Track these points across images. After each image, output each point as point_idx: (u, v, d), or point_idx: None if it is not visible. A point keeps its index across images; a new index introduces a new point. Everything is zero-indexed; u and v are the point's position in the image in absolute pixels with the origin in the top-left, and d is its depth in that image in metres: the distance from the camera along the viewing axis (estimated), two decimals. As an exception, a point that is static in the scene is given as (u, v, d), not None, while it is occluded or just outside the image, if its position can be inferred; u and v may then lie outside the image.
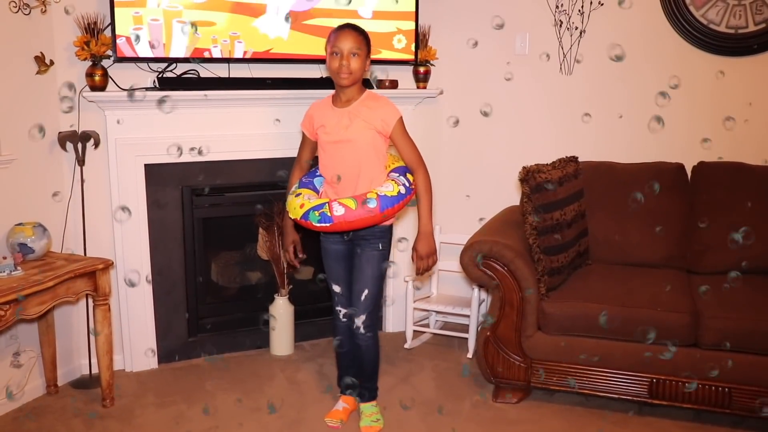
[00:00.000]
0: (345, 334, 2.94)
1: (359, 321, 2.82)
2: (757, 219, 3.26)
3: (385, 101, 2.76)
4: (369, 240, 2.77)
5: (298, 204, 2.72)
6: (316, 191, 2.83)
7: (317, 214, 2.62)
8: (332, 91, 2.81)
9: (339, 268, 2.87)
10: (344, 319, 2.91)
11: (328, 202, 2.64)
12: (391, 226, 2.83)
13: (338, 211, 2.60)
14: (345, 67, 2.63)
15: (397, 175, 2.76)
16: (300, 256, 3.01)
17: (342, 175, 2.72)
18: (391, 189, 2.67)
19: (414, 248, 2.79)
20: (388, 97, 2.82)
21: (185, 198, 3.46)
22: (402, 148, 2.76)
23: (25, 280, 2.67)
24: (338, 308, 2.92)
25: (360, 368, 2.95)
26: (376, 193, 2.65)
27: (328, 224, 2.61)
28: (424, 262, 2.78)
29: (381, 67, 3.70)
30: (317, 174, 2.89)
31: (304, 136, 2.89)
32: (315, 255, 3.02)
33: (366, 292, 2.80)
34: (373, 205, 2.61)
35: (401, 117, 2.74)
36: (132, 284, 3.34)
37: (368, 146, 2.71)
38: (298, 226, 2.86)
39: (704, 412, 2.90)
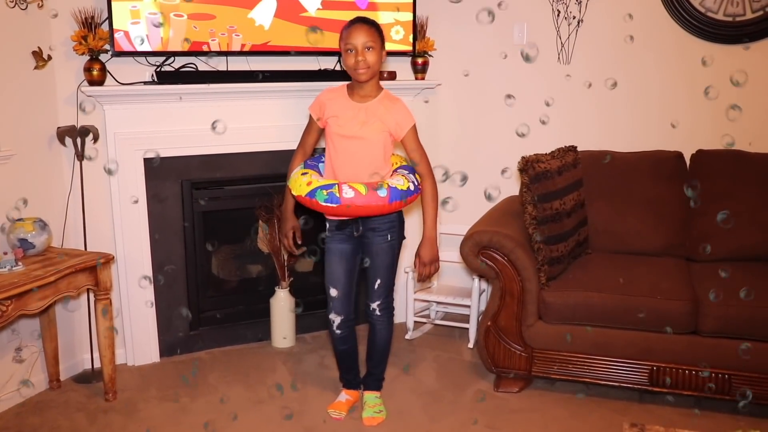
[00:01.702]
0: (341, 343, 2.95)
1: (374, 305, 2.85)
2: (755, 207, 3.27)
3: (402, 105, 2.76)
4: (377, 231, 2.77)
5: (305, 182, 2.68)
6: (321, 175, 2.82)
7: (325, 193, 2.59)
8: (336, 83, 2.81)
9: (340, 269, 2.85)
10: (338, 331, 2.91)
11: (337, 183, 2.62)
12: (398, 215, 2.82)
13: (347, 193, 2.58)
14: (362, 62, 2.62)
15: (406, 172, 2.77)
16: (299, 243, 3.00)
17: (349, 170, 2.71)
18: (402, 183, 2.67)
19: (417, 254, 2.81)
20: (388, 89, 2.81)
21: (185, 192, 3.46)
22: (412, 153, 2.78)
23: (26, 275, 2.67)
24: (332, 316, 2.89)
25: (370, 351, 2.97)
26: (387, 183, 2.65)
27: (334, 205, 2.58)
28: (427, 268, 2.81)
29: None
30: (322, 160, 2.88)
31: (310, 120, 2.85)
32: (314, 245, 3.01)
33: (378, 281, 2.82)
34: (383, 194, 2.61)
35: (415, 124, 2.75)
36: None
37: (379, 145, 2.72)
38: (299, 210, 2.84)
39: (704, 399, 2.91)
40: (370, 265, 2.82)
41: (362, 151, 2.70)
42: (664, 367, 2.90)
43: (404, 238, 2.89)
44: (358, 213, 2.65)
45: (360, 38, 2.62)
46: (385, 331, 2.92)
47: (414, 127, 2.74)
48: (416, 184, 2.74)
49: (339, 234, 2.82)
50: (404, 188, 2.67)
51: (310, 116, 2.84)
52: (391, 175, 2.78)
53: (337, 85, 2.83)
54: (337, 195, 2.58)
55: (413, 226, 3.72)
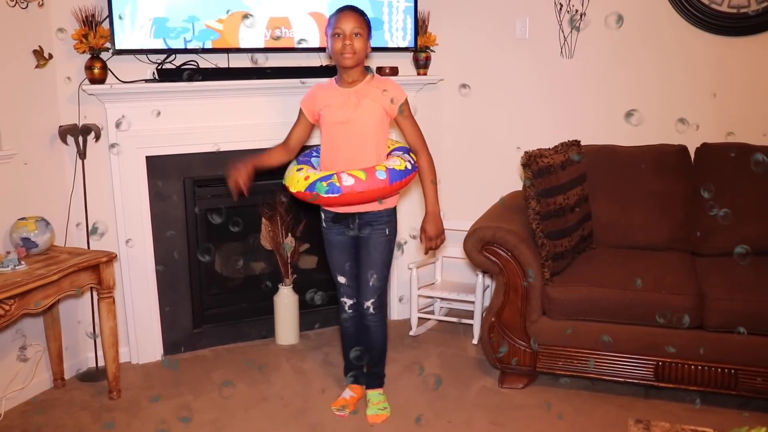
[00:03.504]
0: (351, 325, 2.95)
1: (368, 303, 2.83)
2: (760, 199, 3.24)
3: (391, 82, 2.77)
4: (375, 225, 2.76)
5: (302, 176, 2.64)
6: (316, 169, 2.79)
7: (325, 185, 2.56)
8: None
9: (344, 259, 2.86)
10: (350, 311, 2.92)
11: (336, 173, 2.59)
12: (395, 209, 2.82)
13: (347, 181, 2.55)
14: (348, 47, 2.62)
15: (401, 153, 2.76)
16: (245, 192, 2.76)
17: (346, 156, 2.70)
18: (398, 164, 2.66)
19: (422, 229, 2.80)
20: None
21: (187, 189, 3.45)
22: (406, 130, 2.77)
23: (29, 274, 2.67)
24: (344, 299, 2.92)
25: (368, 351, 2.96)
26: (385, 165, 2.64)
27: (336, 194, 2.55)
28: (434, 242, 2.81)
29: (381, 54, 3.68)
30: (314, 155, 2.87)
31: (300, 115, 2.84)
32: (318, 244, 3.01)
33: (375, 277, 2.80)
34: (383, 176, 2.59)
35: (407, 98, 2.74)
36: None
37: (375, 126, 2.71)
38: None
39: (710, 394, 2.90)
40: (366, 260, 2.80)
41: (359, 135, 2.69)
42: (669, 363, 2.89)
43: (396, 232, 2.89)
44: (361, 199, 2.62)
45: (349, 24, 2.62)
46: (380, 331, 2.90)
47: (407, 102, 2.74)
48: (413, 162, 2.73)
49: (336, 227, 2.82)
50: (402, 168, 2.65)
51: (300, 111, 2.83)
52: (387, 158, 2.77)
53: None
54: (338, 184, 2.55)
55: (414, 203, 3.73)
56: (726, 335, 2.81)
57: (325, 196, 2.57)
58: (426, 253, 2.89)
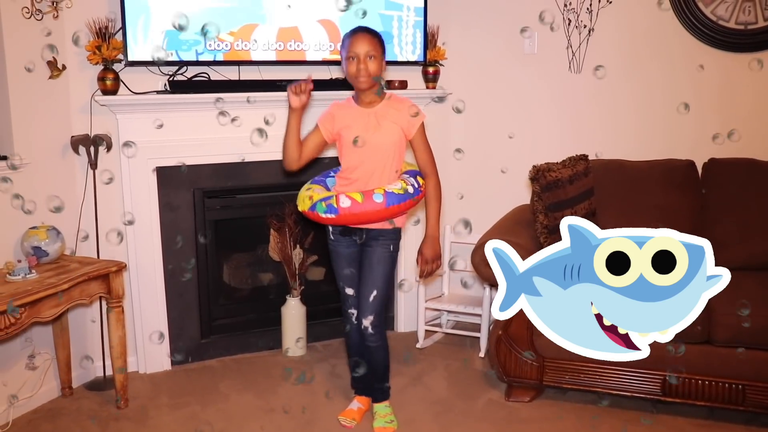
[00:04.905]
0: (358, 335, 2.95)
1: (367, 322, 2.82)
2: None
3: (410, 103, 2.77)
4: (380, 241, 2.78)
5: (308, 196, 2.75)
6: (328, 190, 2.83)
7: (324, 205, 2.65)
8: (348, 93, 2.82)
9: (350, 270, 2.87)
10: (356, 322, 2.92)
11: (335, 195, 2.67)
12: (400, 229, 2.84)
13: (344, 203, 2.62)
14: (363, 70, 2.63)
15: (408, 176, 2.78)
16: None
17: (362, 175, 2.72)
18: (398, 187, 2.69)
19: (420, 252, 2.81)
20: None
21: (197, 200, 3.48)
22: (419, 151, 2.78)
23: (40, 283, 2.69)
24: (351, 311, 2.91)
25: (371, 369, 2.96)
26: (384, 189, 2.66)
27: (333, 215, 2.64)
28: (429, 266, 2.81)
29: (390, 67, 3.70)
30: (331, 174, 2.90)
31: (316, 131, 2.77)
32: (326, 254, 3.02)
33: (375, 293, 2.80)
34: (379, 200, 2.62)
35: (424, 120, 2.75)
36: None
37: (393, 147, 2.73)
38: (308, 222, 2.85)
39: (718, 409, 2.89)
40: (368, 275, 2.80)
41: (377, 155, 2.71)
42: (676, 377, 2.88)
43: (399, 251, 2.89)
44: (358, 221, 2.67)
45: (363, 47, 2.63)
46: (381, 352, 2.89)
47: (423, 124, 2.76)
48: (416, 186, 2.74)
49: (344, 239, 2.83)
50: (401, 192, 2.68)
51: (317, 127, 2.78)
52: (397, 177, 2.78)
53: (343, 97, 2.84)
54: (335, 205, 2.63)
55: (419, 226, 3.74)
56: (733, 350, 2.80)
57: (324, 216, 2.66)
58: (421, 276, 2.88)
